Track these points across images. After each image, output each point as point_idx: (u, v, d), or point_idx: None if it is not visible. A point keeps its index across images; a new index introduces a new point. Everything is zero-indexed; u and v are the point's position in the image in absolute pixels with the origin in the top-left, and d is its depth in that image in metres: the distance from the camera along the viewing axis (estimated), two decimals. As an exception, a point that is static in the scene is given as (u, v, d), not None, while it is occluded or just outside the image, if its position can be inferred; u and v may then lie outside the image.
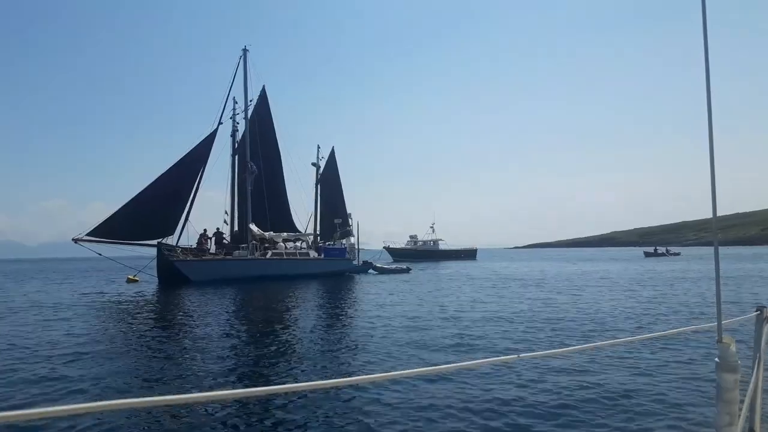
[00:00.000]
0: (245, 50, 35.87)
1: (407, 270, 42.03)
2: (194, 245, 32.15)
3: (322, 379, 7.78)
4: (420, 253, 70.99)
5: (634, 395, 6.62)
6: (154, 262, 29.69)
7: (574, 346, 3.41)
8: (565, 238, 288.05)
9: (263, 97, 38.52)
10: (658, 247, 75.16)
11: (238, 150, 36.49)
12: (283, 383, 7.09)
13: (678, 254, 69.88)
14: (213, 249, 33.36)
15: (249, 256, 33.28)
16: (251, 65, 36.45)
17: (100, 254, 29.34)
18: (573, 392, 6.71)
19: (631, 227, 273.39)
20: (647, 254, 69.98)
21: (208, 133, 33.78)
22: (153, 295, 23.86)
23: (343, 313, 16.43)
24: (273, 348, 10.54)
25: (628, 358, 8.51)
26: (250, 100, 36.61)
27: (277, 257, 34.91)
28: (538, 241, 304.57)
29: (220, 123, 34.39)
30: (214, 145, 33.94)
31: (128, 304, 19.61)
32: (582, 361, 8.21)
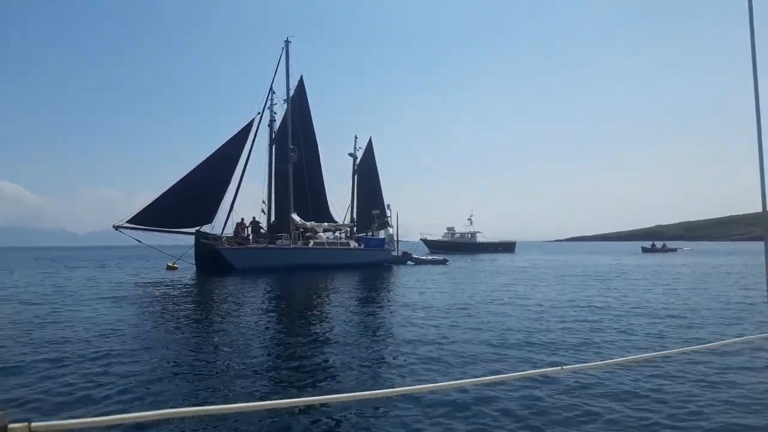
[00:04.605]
0: (287, 42, 36.19)
1: (444, 261, 41.76)
2: (230, 234, 32.46)
3: (360, 386, 7.42)
4: (457, 245, 70.24)
5: (696, 406, 5.96)
6: (192, 250, 30.13)
7: (622, 357, 3.10)
8: (607, 232, 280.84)
9: (301, 87, 38.60)
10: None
11: (275, 140, 36.77)
12: (321, 393, 6.75)
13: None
14: (251, 238, 33.72)
15: (292, 245, 33.57)
16: (293, 56, 36.64)
17: (139, 241, 30.03)
18: (625, 407, 6.00)
19: (677, 221, 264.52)
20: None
21: (246, 123, 34.18)
22: (196, 282, 24.21)
23: (389, 304, 16.10)
24: (321, 342, 10.28)
25: (683, 367, 7.72)
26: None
27: (319, 247, 35.14)
28: (578, 234, 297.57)
29: (259, 113, 34.76)
30: (256, 135, 34.32)
31: (171, 291, 19.91)
32: (631, 372, 7.55)
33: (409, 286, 21.66)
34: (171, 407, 6.22)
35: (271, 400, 6.36)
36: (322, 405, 6.08)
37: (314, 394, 6.66)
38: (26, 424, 1.19)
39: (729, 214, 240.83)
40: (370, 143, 45.54)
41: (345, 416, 5.95)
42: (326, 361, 8.49)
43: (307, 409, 6.03)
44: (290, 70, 36.53)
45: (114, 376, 7.46)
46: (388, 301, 16.83)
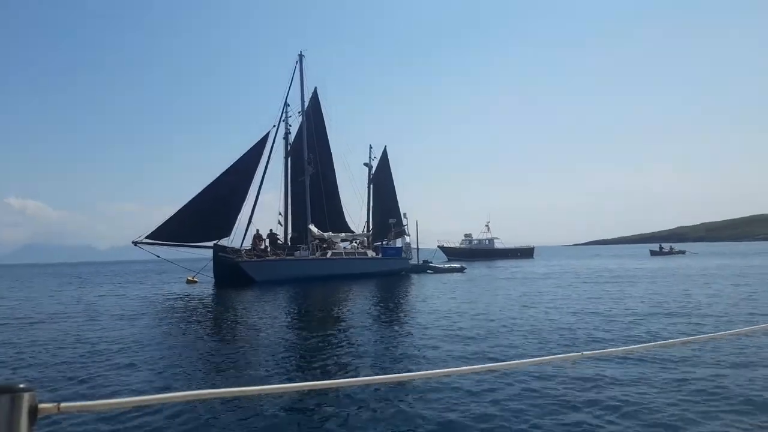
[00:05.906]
0: (301, 55, 36.55)
1: (461, 269, 41.45)
2: (248, 247, 32.66)
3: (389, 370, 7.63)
4: (475, 252, 69.65)
5: (715, 395, 5.99)
6: (211, 264, 30.44)
7: (640, 344, 3.03)
8: (628, 234, 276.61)
9: (315, 99, 38.90)
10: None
11: (291, 152, 37.05)
12: (342, 378, 7.10)
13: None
14: (269, 250, 33.90)
15: (310, 256, 33.77)
16: (306, 69, 37.00)
17: (158, 256, 30.38)
18: (642, 393, 6.13)
19: (699, 222, 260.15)
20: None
21: (261, 136, 34.50)
22: (217, 295, 24.36)
23: (410, 310, 16.01)
24: (344, 349, 10.34)
25: (702, 355, 7.81)
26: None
27: (337, 257, 35.32)
28: (599, 238, 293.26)
29: (275, 126, 35.14)
30: (272, 148, 34.69)
31: (194, 302, 20.04)
32: (650, 359, 7.59)
33: (427, 294, 21.53)
34: (194, 389, 6.48)
35: (294, 383, 6.68)
36: (345, 387, 6.41)
37: (344, 378, 6.99)
38: (56, 404, 1.24)
39: (751, 214, 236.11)
40: (385, 152, 45.58)
41: (372, 398, 6.30)
42: (352, 354, 8.51)
43: (333, 390, 6.43)
44: (304, 83, 36.91)
45: (140, 366, 7.74)
46: (409, 307, 16.74)
